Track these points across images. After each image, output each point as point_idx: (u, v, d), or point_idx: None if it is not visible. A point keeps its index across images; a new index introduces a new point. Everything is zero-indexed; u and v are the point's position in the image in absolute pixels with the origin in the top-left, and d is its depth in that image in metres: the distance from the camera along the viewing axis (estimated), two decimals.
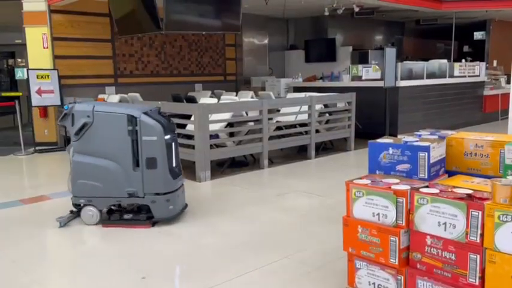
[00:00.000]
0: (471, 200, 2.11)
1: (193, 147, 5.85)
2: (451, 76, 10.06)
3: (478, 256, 2.08)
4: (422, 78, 9.33)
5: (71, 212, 4.35)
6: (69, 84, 8.75)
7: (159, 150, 3.98)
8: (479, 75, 10.91)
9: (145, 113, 4.01)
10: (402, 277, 2.35)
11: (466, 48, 15.19)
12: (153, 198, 4.03)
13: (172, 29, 7.14)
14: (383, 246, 2.37)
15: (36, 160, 7.76)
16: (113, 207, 4.20)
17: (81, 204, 4.19)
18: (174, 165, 4.17)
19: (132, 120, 3.97)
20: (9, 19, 9.03)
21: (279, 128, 6.92)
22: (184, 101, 8.05)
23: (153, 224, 4.11)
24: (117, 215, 4.19)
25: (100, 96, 8.32)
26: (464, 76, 10.46)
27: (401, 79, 8.67)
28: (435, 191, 2.25)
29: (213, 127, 5.99)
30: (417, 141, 2.62)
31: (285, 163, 6.85)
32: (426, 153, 2.47)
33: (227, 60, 11.49)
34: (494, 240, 2.02)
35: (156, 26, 6.76)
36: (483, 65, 11.13)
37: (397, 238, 2.31)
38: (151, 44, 9.98)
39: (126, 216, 4.14)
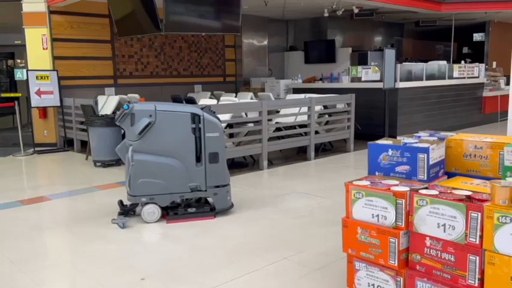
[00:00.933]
0: (470, 202, 2.11)
1: None
2: (451, 77, 10.07)
3: (477, 258, 2.08)
4: (421, 79, 9.34)
5: (121, 213, 4.38)
6: (68, 85, 8.76)
7: (220, 145, 4.28)
8: (478, 77, 10.92)
9: (204, 111, 4.27)
10: (401, 278, 2.35)
11: (465, 50, 15.22)
12: (215, 190, 4.29)
13: (172, 30, 7.14)
14: (382, 247, 2.37)
15: (35, 161, 7.76)
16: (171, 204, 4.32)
17: (141, 203, 4.22)
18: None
19: (195, 118, 4.17)
20: (8, 20, 9.03)
21: (278, 129, 6.92)
22: (184, 102, 8.06)
23: (215, 215, 4.32)
24: (181, 209, 4.33)
25: (99, 96, 8.31)
26: (464, 77, 10.47)
27: (401, 80, 8.67)
28: (434, 192, 2.26)
29: None
30: (416, 142, 2.62)
31: (285, 164, 6.85)
32: (425, 155, 2.47)
33: (227, 61, 11.51)
34: (493, 241, 2.02)
35: (155, 27, 6.76)
36: (482, 66, 11.15)
37: (396, 239, 2.31)
38: (150, 45, 9.98)
39: (190, 210, 4.32)
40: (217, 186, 4.30)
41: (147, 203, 4.19)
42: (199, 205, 4.42)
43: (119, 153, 4.35)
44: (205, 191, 4.28)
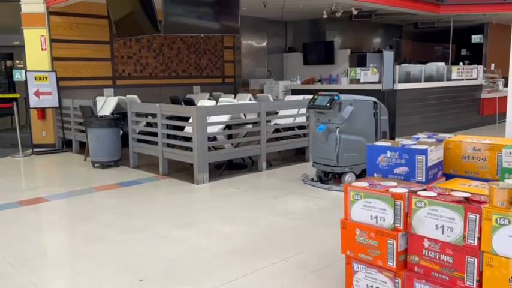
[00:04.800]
0: (469, 203, 2.11)
1: (191, 149, 5.85)
2: (449, 79, 10.09)
3: (476, 259, 2.08)
4: (420, 81, 9.35)
5: (313, 179, 5.66)
6: (67, 86, 8.75)
7: (387, 126, 5.55)
8: (476, 79, 10.94)
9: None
10: (400, 280, 2.35)
11: (463, 52, 15.24)
12: None
13: (171, 31, 7.14)
14: (381, 249, 2.37)
15: (33, 162, 7.75)
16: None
17: (343, 172, 5.31)
18: None
19: (375, 105, 5.43)
20: (7, 21, 9.02)
21: (277, 131, 6.92)
22: (183, 103, 8.06)
23: None
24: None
25: (98, 97, 8.31)
26: (462, 79, 10.49)
27: (399, 82, 8.68)
28: (433, 194, 2.26)
29: (211, 129, 5.99)
30: (415, 144, 2.62)
31: (283, 165, 6.85)
32: (424, 156, 2.47)
33: (225, 63, 11.51)
34: (491, 243, 2.02)
35: (154, 28, 6.75)
36: (481, 68, 11.17)
37: (395, 241, 2.32)
38: (149, 46, 9.98)
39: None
40: None
41: (348, 172, 5.32)
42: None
43: (321, 135, 5.29)
44: None
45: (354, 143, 5.24)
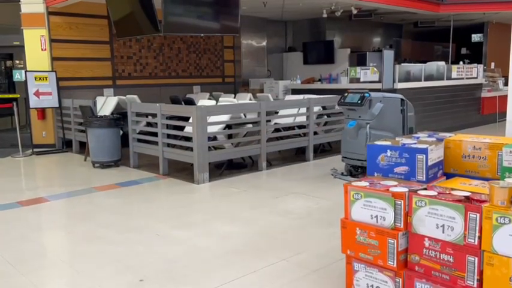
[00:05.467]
0: (469, 202, 2.11)
1: (191, 149, 5.85)
2: (449, 78, 10.08)
3: (476, 258, 2.08)
4: (420, 80, 9.34)
5: (342, 173, 5.87)
6: (67, 86, 8.74)
7: (413, 122, 5.71)
8: (477, 78, 10.93)
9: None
10: (400, 279, 2.35)
11: (463, 51, 15.23)
12: None
13: (171, 31, 7.14)
14: (381, 248, 2.37)
15: (34, 162, 7.75)
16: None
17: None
18: None
19: (402, 102, 5.62)
20: (7, 21, 9.02)
21: (277, 130, 6.92)
22: (183, 103, 8.06)
23: None
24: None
25: (98, 97, 8.31)
26: (462, 78, 10.48)
27: (399, 81, 8.68)
28: (433, 193, 2.26)
29: (212, 129, 5.99)
30: (415, 143, 2.62)
31: (283, 165, 6.85)
32: (424, 156, 2.47)
33: (225, 62, 11.50)
34: (492, 242, 2.02)
35: (154, 28, 6.75)
36: (481, 67, 11.16)
37: (395, 240, 2.31)
38: (149, 46, 9.98)
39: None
40: None
41: None
42: None
43: (352, 131, 5.51)
44: None
45: (382, 138, 5.59)
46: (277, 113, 7.15)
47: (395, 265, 2.34)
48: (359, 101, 5.44)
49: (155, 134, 6.41)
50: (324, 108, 7.50)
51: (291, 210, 4.61)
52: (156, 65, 10.14)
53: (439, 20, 12.94)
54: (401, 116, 5.63)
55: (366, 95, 5.43)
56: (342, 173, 5.96)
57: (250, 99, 8.24)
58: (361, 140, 5.47)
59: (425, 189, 2.34)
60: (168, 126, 6.56)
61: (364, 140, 5.41)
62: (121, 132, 7.07)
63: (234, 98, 8.12)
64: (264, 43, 12.37)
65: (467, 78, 10.62)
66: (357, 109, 5.52)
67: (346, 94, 5.72)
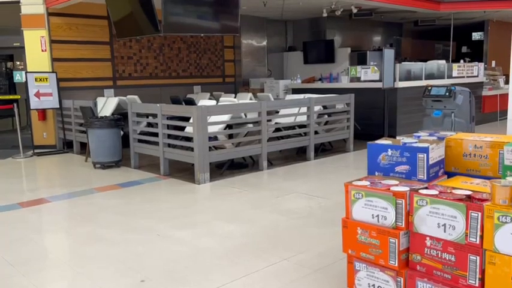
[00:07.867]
0: (470, 201, 2.10)
1: (192, 149, 5.85)
2: (450, 77, 10.07)
3: (478, 257, 2.07)
4: (420, 79, 9.33)
5: None
6: (67, 87, 8.74)
7: (474, 111, 6.51)
8: (477, 76, 10.91)
9: None
10: (402, 279, 2.34)
11: (464, 49, 15.21)
12: None
13: (171, 31, 7.13)
14: (382, 247, 2.37)
15: (34, 163, 7.75)
16: None
17: None
18: None
19: (470, 94, 6.39)
20: (7, 22, 9.03)
21: (278, 130, 6.91)
22: (183, 103, 8.05)
23: None
24: None
25: (99, 98, 8.31)
26: (463, 77, 10.47)
27: (400, 80, 8.67)
28: (434, 192, 2.25)
29: (212, 129, 5.99)
30: (416, 142, 2.61)
31: (284, 165, 6.84)
32: (425, 155, 2.46)
33: (226, 62, 11.50)
34: (493, 241, 2.01)
35: (154, 28, 6.75)
36: (481, 65, 11.14)
37: (396, 240, 2.31)
38: (149, 46, 9.98)
39: None
40: None
41: None
42: None
43: (438, 119, 6.33)
44: None
45: (461, 124, 6.41)
46: (277, 112, 7.15)
47: (396, 264, 2.33)
48: (446, 93, 6.30)
49: (156, 135, 6.41)
50: (324, 107, 7.49)
51: (292, 210, 4.61)
52: (157, 65, 10.14)
53: (440, 19, 12.92)
54: (469, 106, 6.47)
55: (452, 88, 6.29)
56: None
57: (250, 99, 8.24)
58: (446, 126, 6.31)
59: (426, 188, 2.34)
60: (168, 127, 6.56)
61: (449, 127, 6.28)
62: (122, 132, 7.07)
63: (235, 97, 8.12)
64: (264, 43, 12.36)
65: (468, 77, 10.60)
66: (443, 100, 6.34)
67: (430, 88, 6.56)
